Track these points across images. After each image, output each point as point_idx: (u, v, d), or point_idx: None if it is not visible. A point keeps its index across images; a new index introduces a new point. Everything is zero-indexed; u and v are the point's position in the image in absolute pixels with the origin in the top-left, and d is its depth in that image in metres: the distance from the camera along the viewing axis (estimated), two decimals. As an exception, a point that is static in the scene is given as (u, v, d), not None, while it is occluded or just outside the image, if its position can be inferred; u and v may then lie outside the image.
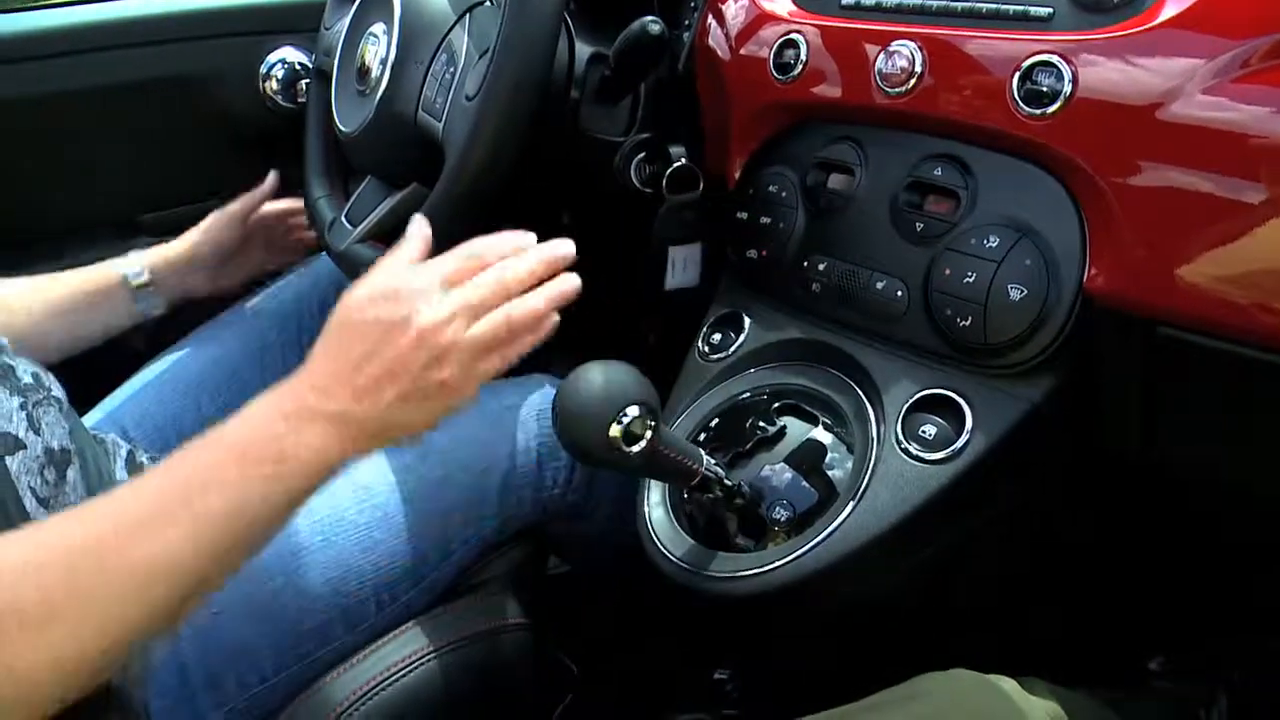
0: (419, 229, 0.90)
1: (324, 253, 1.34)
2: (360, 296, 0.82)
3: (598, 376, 0.81)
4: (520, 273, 0.86)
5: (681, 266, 1.23)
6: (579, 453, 0.83)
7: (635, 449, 0.81)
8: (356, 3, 1.21)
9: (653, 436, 0.82)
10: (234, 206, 1.40)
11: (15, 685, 0.67)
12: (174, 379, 1.31)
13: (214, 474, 0.75)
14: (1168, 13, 0.85)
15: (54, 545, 0.71)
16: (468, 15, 1.10)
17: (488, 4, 1.11)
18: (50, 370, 1.04)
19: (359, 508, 1.09)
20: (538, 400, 1.20)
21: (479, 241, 0.86)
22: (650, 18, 1.09)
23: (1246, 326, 0.82)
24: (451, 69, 1.06)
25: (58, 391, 1.07)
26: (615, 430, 0.80)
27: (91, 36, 1.51)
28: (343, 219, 1.21)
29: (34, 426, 0.95)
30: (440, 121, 1.06)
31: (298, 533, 1.06)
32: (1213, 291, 0.83)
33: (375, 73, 1.13)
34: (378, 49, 1.14)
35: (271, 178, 1.43)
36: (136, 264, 1.33)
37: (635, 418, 0.80)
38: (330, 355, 0.80)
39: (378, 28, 1.15)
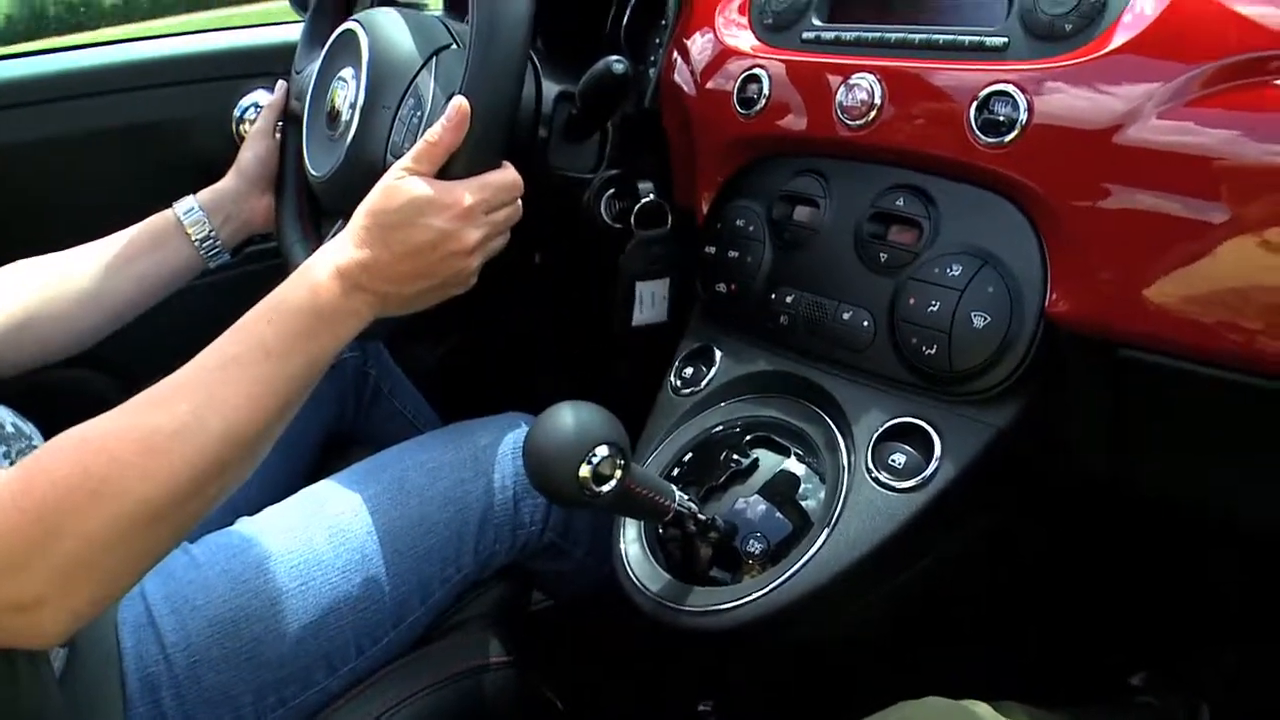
0: (457, 120, 0.95)
1: None
2: (420, 199, 0.94)
3: (566, 418, 0.82)
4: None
5: (650, 302, 1.24)
6: (550, 494, 0.84)
7: (606, 489, 0.82)
8: (326, 47, 1.22)
9: (623, 476, 0.83)
10: (260, 123, 1.37)
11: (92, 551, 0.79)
12: None
13: (278, 334, 0.91)
14: (1119, 39, 0.86)
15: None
16: (434, 59, 1.10)
17: (454, 46, 1.12)
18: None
19: (336, 551, 1.10)
20: (513, 439, 1.21)
21: (515, 180, 1.01)
22: (615, 57, 1.10)
23: (1209, 347, 0.83)
24: (419, 113, 1.07)
25: (38, 441, 1.08)
26: (585, 471, 0.80)
27: (65, 84, 1.52)
28: None
29: None
30: None
31: (276, 578, 1.06)
32: (1174, 312, 0.84)
33: (345, 116, 1.13)
34: (347, 93, 1.14)
35: (281, 86, 1.39)
36: (187, 201, 1.29)
37: (605, 458, 0.81)
38: (383, 243, 0.94)
39: (346, 72, 1.16)
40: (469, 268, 0.99)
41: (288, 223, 1.30)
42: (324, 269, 0.93)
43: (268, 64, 1.58)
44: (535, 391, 1.41)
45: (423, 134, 1.04)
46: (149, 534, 0.83)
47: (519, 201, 1.02)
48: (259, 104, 1.59)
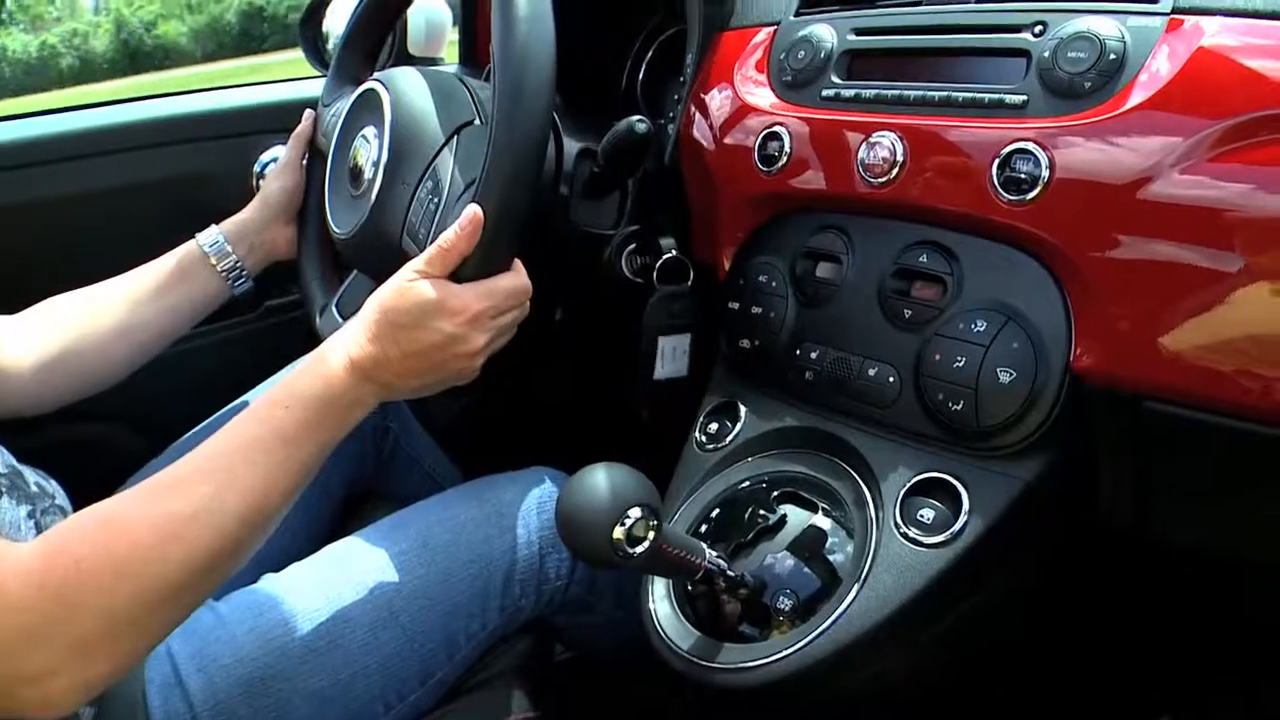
0: (470, 229, 0.97)
1: None
2: (429, 303, 0.97)
3: (599, 480, 0.83)
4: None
5: (670, 356, 1.25)
6: (584, 555, 0.84)
7: (639, 550, 0.82)
8: (354, 95, 1.23)
9: (656, 537, 0.83)
10: (287, 154, 1.40)
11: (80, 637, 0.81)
12: None
13: (295, 421, 0.95)
14: (1139, 96, 0.87)
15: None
16: (456, 137, 1.11)
17: (476, 122, 1.12)
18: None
19: (362, 609, 1.10)
20: (538, 494, 1.21)
21: (524, 286, 1.04)
22: (636, 117, 1.11)
23: (1231, 397, 0.84)
24: (436, 199, 1.07)
25: (62, 500, 1.09)
26: (618, 533, 0.81)
27: (88, 142, 1.54)
28: (333, 308, 1.23)
29: (40, 532, 0.97)
30: (421, 250, 1.05)
31: (303, 636, 1.07)
32: (1198, 363, 0.85)
33: (367, 175, 1.14)
34: (369, 153, 1.15)
35: (308, 115, 1.41)
36: (212, 232, 1.33)
37: (638, 519, 0.81)
38: (392, 341, 0.98)
39: (369, 130, 1.16)
40: (472, 367, 1.03)
41: (309, 259, 1.32)
42: (338, 360, 0.98)
43: (287, 119, 1.59)
44: (557, 446, 1.42)
45: (437, 224, 1.05)
46: (165, 612, 0.86)
47: (526, 304, 1.05)
48: (279, 159, 1.59)
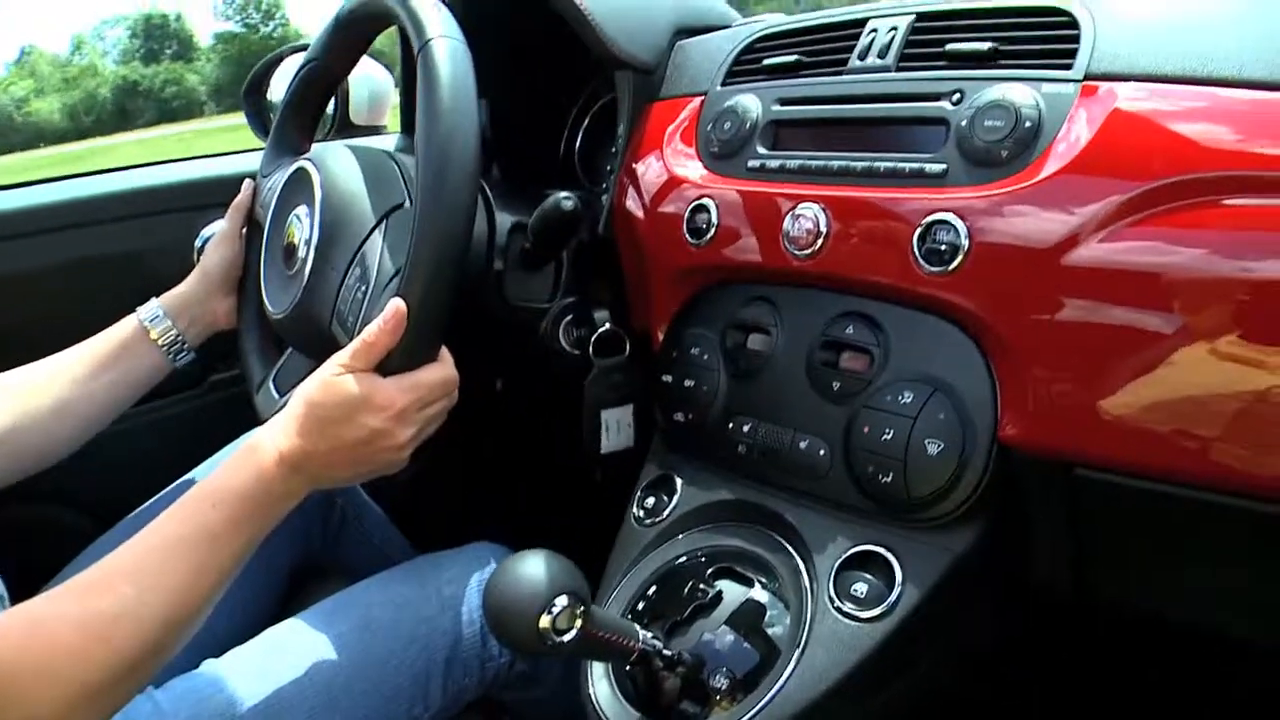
0: (394, 324, 0.97)
1: None
2: (354, 398, 0.98)
3: (524, 570, 0.82)
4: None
5: (616, 429, 1.24)
6: (512, 645, 0.85)
7: (567, 638, 0.82)
8: (290, 169, 1.22)
9: (584, 624, 0.83)
10: (226, 225, 1.38)
11: None
12: None
13: (223, 519, 0.94)
14: (1055, 164, 0.88)
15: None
16: (385, 221, 1.10)
17: (405, 205, 1.12)
18: None
19: (302, 694, 1.09)
20: (479, 572, 1.21)
21: (449, 378, 1.04)
22: (564, 194, 1.11)
23: (1162, 463, 0.84)
24: (363, 287, 1.07)
25: (0, 589, 1.08)
26: (545, 622, 0.81)
27: (23, 221, 1.53)
28: (270, 384, 1.22)
29: None
30: (349, 338, 1.04)
31: (243, 721, 1.05)
32: (1127, 428, 0.85)
33: (300, 254, 1.13)
34: (302, 232, 1.15)
35: (247, 185, 1.40)
36: (151, 306, 1.31)
37: (564, 608, 0.81)
38: (319, 434, 0.98)
39: (301, 209, 1.16)
40: (401, 458, 1.04)
41: (248, 332, 1.32)
42: (265, 454, 0.98)
43: (228, 194, 1.59)
44: (504, 515, 1.41)
45: (364, 313, 1.05)
46: (89, 712, 0.85)
47: (454, 394, 1.05)
48: (218, 230, 1.59)
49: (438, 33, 1.00)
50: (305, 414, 0.98)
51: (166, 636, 0.89)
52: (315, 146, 1.31)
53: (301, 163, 1.19)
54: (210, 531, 0.93)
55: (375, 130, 1.82)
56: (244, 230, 1.37)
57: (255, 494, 0.96)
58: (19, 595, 1.10)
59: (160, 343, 1.29)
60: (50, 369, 1.25)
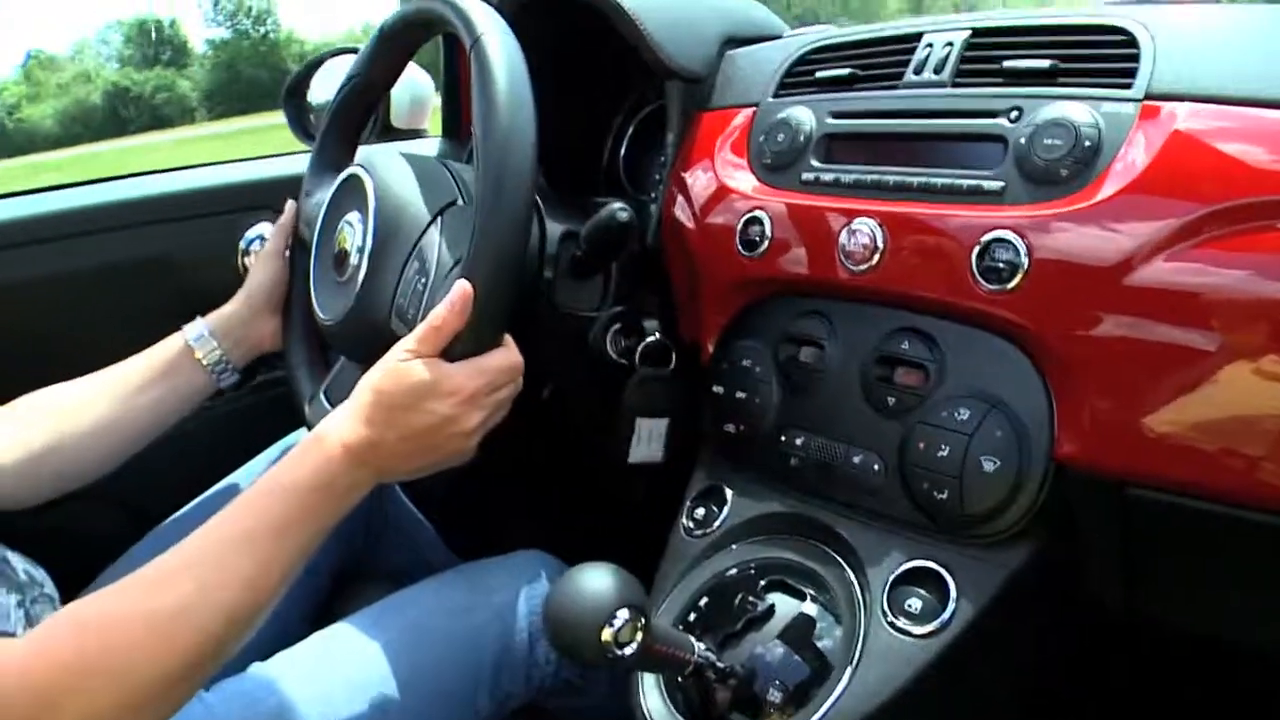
0: (461, 305, 0.97)
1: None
2: (423, 384, 0.96)
3: (586, 582, 0.83)
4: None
5: (647, 439, 1.24)
6: (573, 657, 0.85)
7: (628, 651, 0.83)
8: (336, 182, 1.23)
9: (644, 637, 0.83)
10: (270, 244, 1.37)
11: None
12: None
13: (288, 512, 0.93)
14: (1116, 184, 0.88)
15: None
16: (440, 217, 1.11)
17: (459, 203, 1.13)
18: None
19: (351, 700, 1.09)
20: (527, 579, 1.21)
21: (516, 362, 1.03)
22: (618, 205, 1.11)
23: (1214, 482, 0.85)
24: (423, 279, 1.07)
25: (50, 588, 1.09)
26: (607, 635, 0.82)
27: (68, 223, 1.53)
28: (322, 396, 1.22)
29: (31, 624, 0.97)
30: (411, 330, 1.05)
31: (294, 733, 1.06)
32: (1178, 448, 0.86)
33: (353, 261, 1.14)
34: (354, 238, 1.15)
35: (290, 205, 1.38)
36: (197, 326, 1.30)
37: (626, 621, 0.82)
38: (387, 424, 0.96)
39: (353, 215, 1.16)
40: (469, 446, 1.02)
41: (295, 348, 1.31)
42: (331, 446, 0.96)
43: (272, 197, 1.59)
44: (547, 523, 1.41)
45: (426, 303, 1.05)
46: (150, 711, 0.85)
47: (520, 380, 1.04)
48: (264, 236, 1.59)
49: (488, 28, 1.02)
50: (372, 402, 0.97)
51: (229, 632, 0.88)
52: (362, 150, 1.32)
53: (353, 169, 1.19)
54: (275, 525, 0.92)
55: (416, 134, 1.82)
56: (287, 251, 1.37)
57: (320, 486, 0.95)
58: (64, 596, 1.11)
59: (205, 363, 1.28)
60: (93, 387, 1.24)
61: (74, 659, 0.81)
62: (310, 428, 1.20)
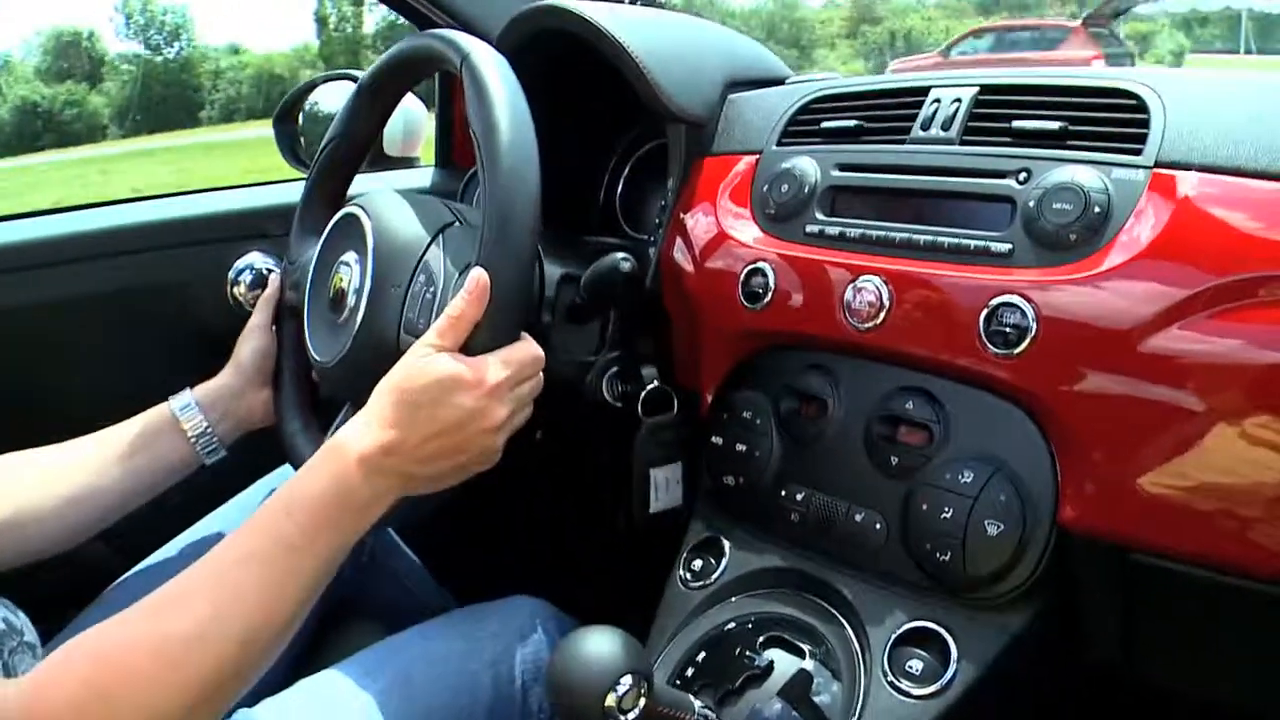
0: (479, 293, 0.95)
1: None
2: (447, 377, 0.94)
3: (590, 648, 0.82)
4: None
5: (665, 488, 1.24)
6: None
7: (630, 716, 0.82)
8: (324, 235, 1.22)
9: (647, 703, 0.83)
10: (256, 317, 1.33)
11: None
12: None
13: (300, 528, 0.90)
14: (1126, 252, 0.88)
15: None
16: (440, 235, 1.10)
17: (457, 224, 1.12)
18: None
19: None
20: (519, 625, 1.20)
21: (538, 354, 1.01)
22: (621, 255, 1.11)
23: (1216, 550, 0.85)
24: (431, 289, 1.06)
25: (30, 636, 1.07)
26: (610, 700, 0.81)
27: (62, 249, 1.51)
28: None
29: (9, 674, 0.95)
30: None
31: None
32: (1181, 514, 0.86)
33: (350, 301, 1.12)
34: (351, 278, 1.14)
35: (275, 277, 1.36)
36: (184, 396, 1.25)
37: (629, 689, 0.81)
38: (409, 423, 0.93)
39: (349, 256, 1.15)
40: (495, 445, 0.98)
41: (288, 414, 1.28)
42: (345, 453, 0.93)
43: (263, 226, 1.59)
44: (535, 564, 1.40)
45: (438, 308, 1.04)
46: None
47: (541, 375, 1.02)
48: (253, 266, 1.58)
49: (472, 45, 1.03)
50: (393, 402, 0.94)
51: (246, 658, 0.86)
52: (356, 183, 1.31)
53: (348, 209, 1.18)
54: (287, 543, 0.89)
55: (408, 163, 1.81)
56: (274, 324, 1.34)
57: (335, 499, 0.91)
58: (46, 632, 1.09)
59: (190, 435, 1.24)
60: (69, 453, 1.20)
61: (82, 694, 0.79)
62: None
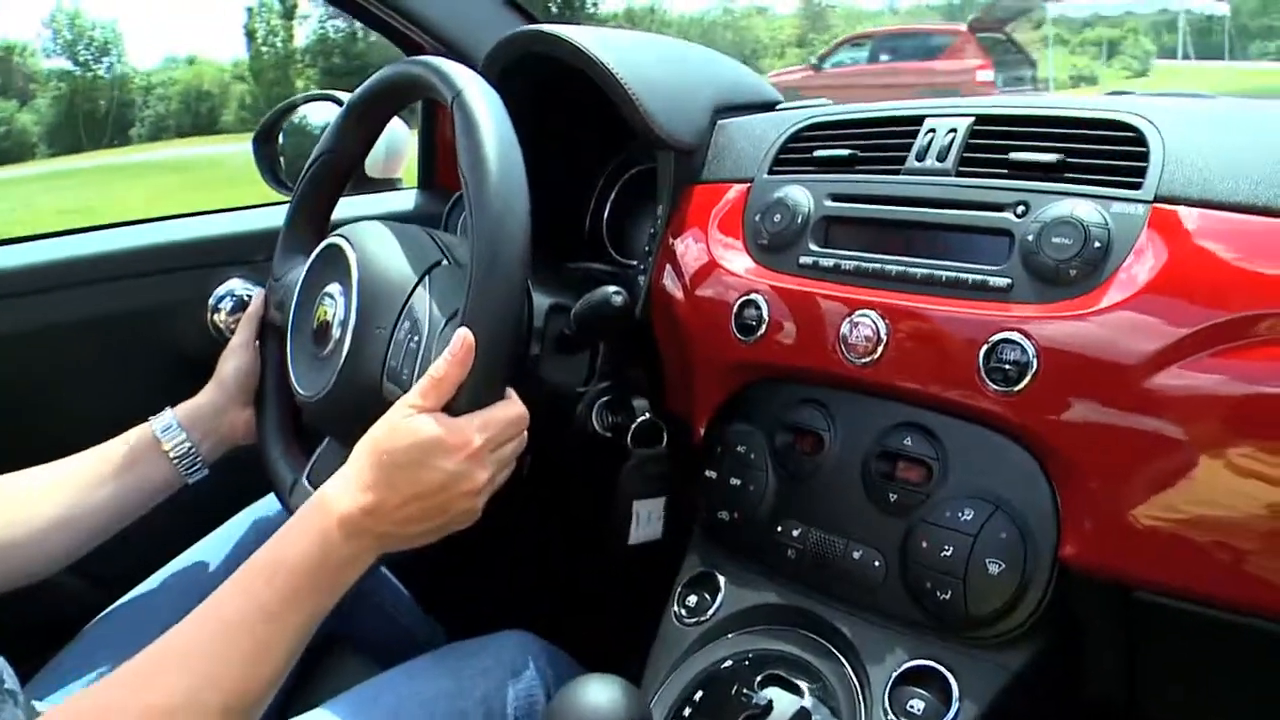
0: (463, 355, 0.94)
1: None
2: (428, 439, 0.93)
3: (589, 697, 0.81)
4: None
5: (646, 520, 1.23)
6: None
7: (630, 766, 0.81)
8: (310, 258, 1.20)
9: (647, 752, 0.82)
10: (239, 335, 1.31)
11: None
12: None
13: (281, 594, 0.89)
14: (1128, 288, 0.87)
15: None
16: (427, 276, 1.09)
17: (444, 263, 1.11)
18: None
19: None
20: (510, 660, 1.18)
21: (521, 414, 1.00)
22: (613, 289, 1.09)
23: (1217, 586, 0.85)
24: (416, 337, 1.05)
25: (10, 681, 1.04)
26: None
27: (40, 276, 1.49)
28: (304, 481, 1.18)
29: None
30: (406, 391, 1.04)
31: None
32: (1182, 550, 0.85)
33: (335, 334, 1.11)
34: (335, 310, 1.12)
35: (259, 294, 1.34)
36: (165, 417, 1.23)
37: None
38: (389, 485, 0.92)
39: (334, 287, 1.13)
40: (475, 507, 0.97)
41: (270, 437, 1.26)
42: (329, 514, 0.92)
43: (244, 252, 1.56)
44: (526, 595, 1.38)
45: (421, 361, 1.03)
46: None
47: (525, 434, 1.01)
48: (234, 292, 1.56)
49: (467, 81, 1.02)
50: (374, 463, 0.93)
51: None
52: (340, 207, 1.30)
53: (332, 239, 1.16)
54: (267, 610, 0.88)
55: (390, 184, 1.79)
56: (257, 341, 1.32)
57: (316, 563, 0.90)
58: (24, 674, 1.07)
59: (172, 455, 1.22)
60: (48, 477, 1.17)
61: None
62: (292, 513, 1.17)
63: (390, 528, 0.93)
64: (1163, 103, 0.98)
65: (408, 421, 0.93)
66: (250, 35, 33.62)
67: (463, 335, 0.94)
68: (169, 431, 1.23)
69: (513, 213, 0.96)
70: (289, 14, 33.04)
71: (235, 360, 1.29)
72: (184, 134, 28.28)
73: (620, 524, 1.22)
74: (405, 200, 1.79)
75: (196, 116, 30.96)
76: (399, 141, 1.77)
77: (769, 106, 1.34)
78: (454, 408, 0.95)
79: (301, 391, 1.15)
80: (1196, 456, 0.83)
